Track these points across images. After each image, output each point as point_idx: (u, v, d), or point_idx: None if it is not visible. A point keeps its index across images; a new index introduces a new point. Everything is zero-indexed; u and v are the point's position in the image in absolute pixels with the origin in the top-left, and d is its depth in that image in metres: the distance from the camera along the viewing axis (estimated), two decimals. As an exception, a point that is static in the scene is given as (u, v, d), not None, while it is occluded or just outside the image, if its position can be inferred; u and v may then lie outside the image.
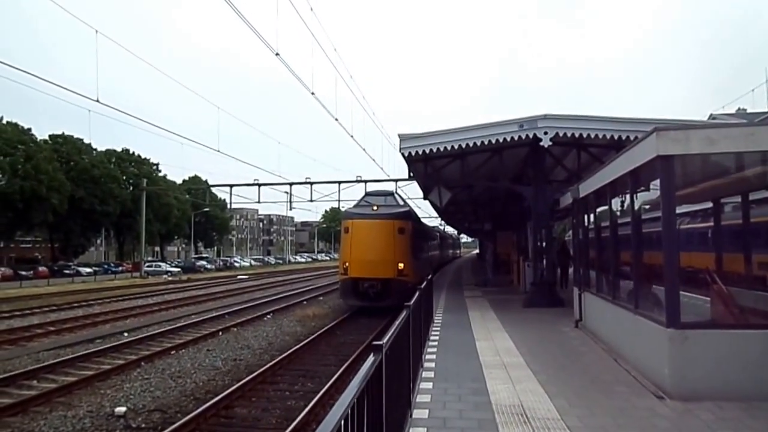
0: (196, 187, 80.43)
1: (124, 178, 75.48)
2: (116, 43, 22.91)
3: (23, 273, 53.28)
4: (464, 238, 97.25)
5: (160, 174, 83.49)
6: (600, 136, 13.99)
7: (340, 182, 42.84)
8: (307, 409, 8.88)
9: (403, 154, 15.20)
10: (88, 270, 61.23)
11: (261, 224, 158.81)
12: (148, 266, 62.32)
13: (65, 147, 66.67)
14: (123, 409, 9.47)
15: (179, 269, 65.57)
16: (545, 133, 14.13)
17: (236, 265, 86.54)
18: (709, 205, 10.88)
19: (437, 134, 14.92)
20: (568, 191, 13.23)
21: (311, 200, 44.08)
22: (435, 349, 9.42)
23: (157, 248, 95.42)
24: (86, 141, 66.85)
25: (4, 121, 60.15)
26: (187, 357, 13.94)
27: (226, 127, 66.64)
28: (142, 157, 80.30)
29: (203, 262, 78.97)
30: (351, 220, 21.11)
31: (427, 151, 14.93)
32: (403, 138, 15.00)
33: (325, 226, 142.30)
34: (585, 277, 11.91)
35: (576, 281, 13.00)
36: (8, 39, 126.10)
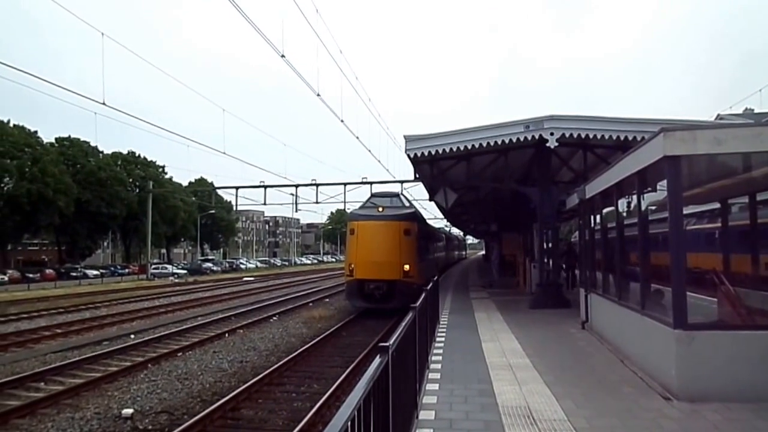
0: (202, 189, 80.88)
1: (131, 180, 75.88)
2: (122, 46, 23.19)
3: (30, 275, 53.74)
4: (470, 240, 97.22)
5: (166, 176, 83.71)
6: (606, 137, 13.97)
7: (345, 184, 42.81)
8: (313, 411, 8.87)
9: (408, 156, 15.21)
10: (95, 272, 61.67)
11: (267, 226, 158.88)
12: (154, 268, 62.46)
13: (72, 150, 67.13)
14: (130, 410, 9.51)
15: (185, 271, 65.95)
16: (551, 134, 14.11)
17: (242, 267, 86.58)
18: (717, 205, 10.84)
19: (443, 135, 14.92)
20: (574, 192, 13.21)
21: (317, 202, 44.09)
22: (441, 351, 9.42)
23: (164, 250, 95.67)
24: (92, 143, 67.44)
25: (10, 124, 60.55)
26: (194, 359, 13.98)
27: (232, 130, 67.30)
28: (148, 159, 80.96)
29: (209, 264, 79.16)
30: (357, 221, 21.10)
31: (433, 153, 14.94)
32: (408, 139, 15.00)
33: (330, 227, 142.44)
34: (591, 278, 11.88)
35: (582, 282, 12.96)
36: (14, 42, 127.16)
